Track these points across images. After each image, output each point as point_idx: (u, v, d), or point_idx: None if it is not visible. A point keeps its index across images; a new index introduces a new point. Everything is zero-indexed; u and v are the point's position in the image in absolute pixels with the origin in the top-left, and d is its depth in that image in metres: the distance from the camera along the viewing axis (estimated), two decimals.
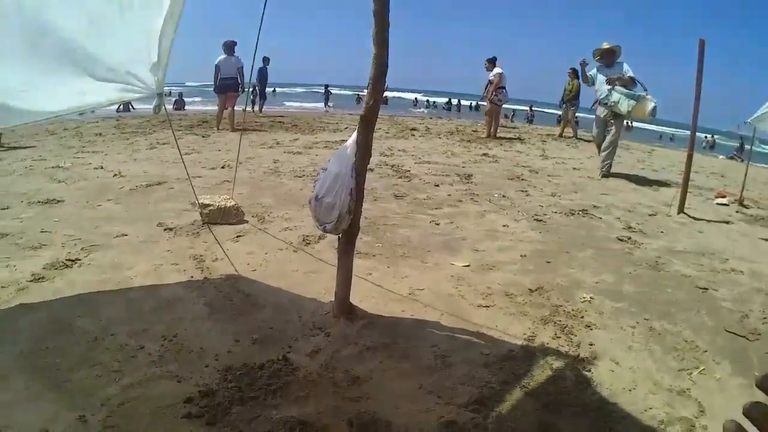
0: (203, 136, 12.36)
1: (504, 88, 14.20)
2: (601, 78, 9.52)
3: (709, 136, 38.65)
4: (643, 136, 27.09)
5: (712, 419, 2.76)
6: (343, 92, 63.59)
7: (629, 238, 5.78)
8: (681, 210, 7.09)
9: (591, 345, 3.44)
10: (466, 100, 50.57)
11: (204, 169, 8.42)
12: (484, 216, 6.42)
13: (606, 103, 9.39)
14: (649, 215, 6.98)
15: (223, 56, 13.49)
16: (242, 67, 13.66)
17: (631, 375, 3.13)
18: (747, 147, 27.91)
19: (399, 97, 54.88)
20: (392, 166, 9.34)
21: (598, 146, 10.01)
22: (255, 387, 2.80)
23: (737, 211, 7.63)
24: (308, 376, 2.94)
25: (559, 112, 18.81)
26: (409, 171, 8.95)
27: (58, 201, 6.15)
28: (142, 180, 7.38)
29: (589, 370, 3.15)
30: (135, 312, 3.60)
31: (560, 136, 16.28)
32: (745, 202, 8.04)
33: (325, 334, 3.40)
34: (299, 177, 8.08)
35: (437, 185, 7.99)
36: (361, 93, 46.41)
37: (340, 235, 3.48)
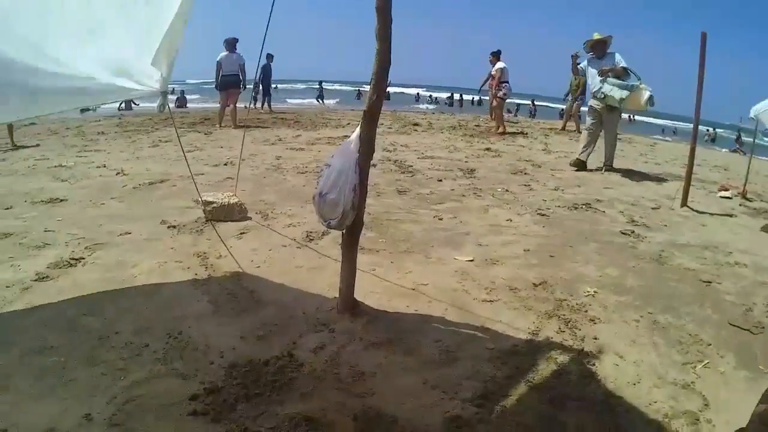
0: (206, 134, 12.35)
1: (507, 82, 14.11)
2: (592, 71, 9.34)
3: (710, 129, 38.55)
4: (645, 129, 27.07)
5: (717, 413, 2.77)
6: (343, 88, 63.61)
7: (632, 232, 5.77)
8: (684, 203, 7.08)
9: (595, 339, 3.45)
10: (468, 95, 50.48)
11: (207, 166, 8.42)
12: (488, 210, 6.42)
13: (599, 96, 9.14)
14: (653, 209, 6.97)
15: (224, 53, 13.46)
16: (243, 64, 13.64)
17: (635, 369, 3.14)
18: (745, 139, 27.89)
19: (401, 93, 54.75)
20: (395, 161, 9.34)
21: (589, 143, 9.61)
22: (260, 383, 2.81)
23: (740, 205, 7.60)
24: (313, 372, 2.95)
25: (563, 107, 18.77)
26: (411, 166, 8.95)
27: (62, 200, 6.17)
28: (145, 178, 7.38)
29: (594, 364, 3.15)
30: (139, 310, 3.60)
31: (563, 129, 16.21)
32: (749, 195, 8.01)
33: (330, 330, 3.41)
34: (302, 173, 8.08)
35: (440, 180, 7.99)
36: (361, 88, 46.41)
37: (344, 231, 3.48)
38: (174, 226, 5.31)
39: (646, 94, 8.63)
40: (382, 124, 13.81)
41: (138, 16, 3.44)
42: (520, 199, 7.04)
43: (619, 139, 15.49)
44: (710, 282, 4.50)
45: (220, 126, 13.59)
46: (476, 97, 39.31)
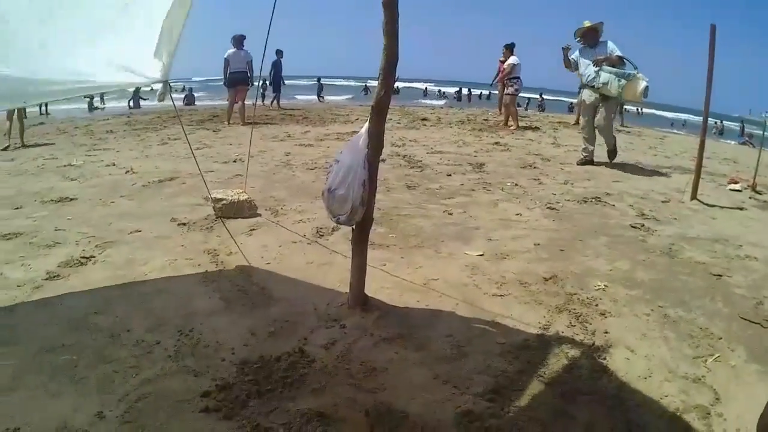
0: (214, 131, 12.39)
1: (518, 78, 14.04)
2: (584, 61, 8.98)
3: (718, 121, 38.34)
4: (655, 122, 26.97)
5: (728, 406, 2.75)
6: (349, 83, 63.60)
7: (642, 225, 5.75)
8: (694, 196, 7.04)
9: (606, 333, 3.44)
10: (477, 89, 50.34)
11: (216, 163, 8.45)
12: (497, 205, 6.42)
13: (594, 86, 8.82)
14: (662, 202, 6.94)
15: (232, 50, 13.52)
16: (251, 61, 13.69)
17: (646, 363, 3.13)
18: (750, 131, 27.81)
19: (409, 87, 54.70)
20: (404, 156, 9.34)
21: (586, 138, 9.36)
22: (272, 380, 2.81)
23: (750, 197, 7.55)
24: (324, 368, 2.95)
25: (573, 100, 18.66)
26: (421, 161, 8.95)
27: (71, 199, 6.19)
28: (154, 176, 7.41)
29: (604, 359, 3.15)
30: (150, 307, 3.62)
31: (576, 123, 16.11)
32: (758, 188, 7.95)
33: (341, 326, 3.41)
34: (311, 169, 8.10)
35: (449, 175, 7.99)
36: (368, 83, 46.39)
37: (354, 227, 3.48)
38: (184, 224, 5.33)
39: (642, 84, 8.39)
40: (391, 119, 13.81)
41: (138, 9, 3.45)
42: (529, 193, 7.02)
43: (629, 132, 15.52)
44: (721, 275, 4.48)
45: (229, 123, 13.66)
46: (485, 92, 39.20)
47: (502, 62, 14.40)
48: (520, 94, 15.21)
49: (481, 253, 4.76)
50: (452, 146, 10.82)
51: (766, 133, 8.94)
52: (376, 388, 2.80)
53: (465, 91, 49.87)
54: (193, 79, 52.55)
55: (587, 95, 9.18)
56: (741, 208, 6.88)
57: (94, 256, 4.47)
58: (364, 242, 3.54)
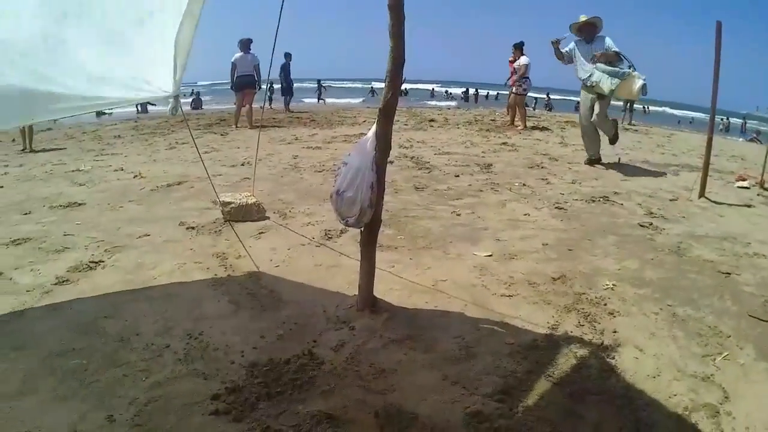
0: (222, 135, 12.43)
1: (528, 78, 13.98)
2: (581, 57, 8.75)
3: (724, 118, 38.28)
4: (662, 120, 26.89)
5: (737, 405, 2.75)
6: (355, 85, 63.69)
7: (651, 224, 5.75)
8: (702, 194, 7.02)
9: (614, 332, 3.44)
10: (483, 89, 50.39)
11: (224, 167, 8.47)
12: (505, 205, 6.41)
13: (588, 84, 8.62)
14: (670, 200, 6.93)
15: (239, 54, 13.56)
16: (258, 65, 13.72)
17: (654, 362, 3.12)
18: (755, 127, 27.74)
19: (416, 89, 54.75)
20: (412, 157, 9.34)
21: (587, 145, 9.31)
22: (281, 382, 2.82)
23: (759, 194, 7.53)
24: (334, 370, 2.96)
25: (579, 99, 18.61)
26: (428, 162, 8.95)
27: (80, 204, 6.22)
28: (162, 180, 7.44)
29: (613, 358, 3.14)
30: (160, 311, 3.63)
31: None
32: (767, 185, 7.93)
33: (350, 328, 3.42)
34: (319, 172, 8.11)
35: (457, 176, 7.99)
36: (374, 85, 46.46)
37: (362, 229, 3.49)
38: (193, 228, 5.34)
39: (639, 83, 8.14)
40: (398, 120, 13.80)
41: (151, 29, 3.47)
42: (537, 193, 7.02)
43: (636, 130, 15.47)
44: (729, 273, 4.47)
45: (236, 126, 13.69)
46: (492, 92, 39.11)
47: (512, 62, 14.31)
48: (530, 94, 15.08)
49: (490, 253, 4.76)
50: (460, 147, 10.82)
51: None
52: (385, 389, 2.80)
53: (472, 91, 49.88)
54: (199, 83, 52.69)
55: (583, 97, 9.04)
56: (749, 206, 6.86)
57: (103, 261, 4.49)
58: (372, 244, 3.55)
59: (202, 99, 30.77)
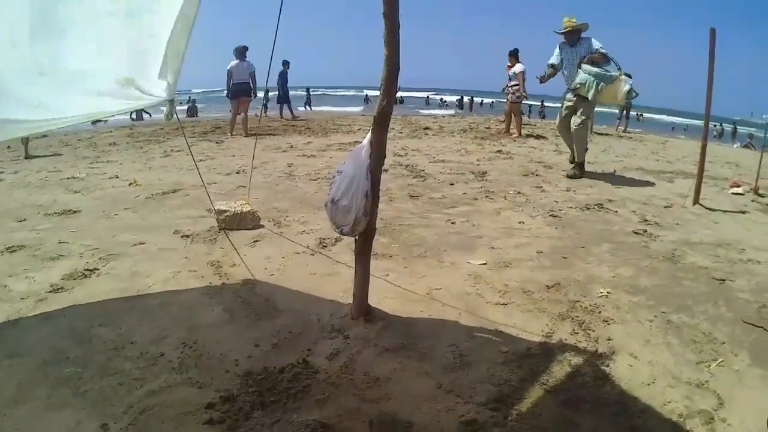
0: (217, 142, 12.45)
1: (519, 84, 13.99)
2: (567, 61, 8.55)
3: (717, 125, 38.47)
4: (656, 127, 26.96)
5: (732, 411, 2.75)
6: (348, 93, 63.77)
7: (645, 231, 5.76)
8: (696, 201, 7.04)
9: (609, 340, 3.44)
10: (478, 97, 50.48)
11: (219, 175, 8.48)
12: (500, 213, 6.42)
13: (572, 87, 8.27)
14: (665, 207, 6.95)
15: (235, 61, 13.61)
16: (254, 72, 13.75)
17: (649, 369, 3.13)
18: (739, 131, 27.89)
19: (411, 96, 54.88)
20: (406, 166, 9.36)
21: (566, 140, 9.10)
22: (275, 391, 2.82)
23: (753, 201, 7.56)
24: (328, 379, 2.96)
25: None
26: (423, 170, 8.97)
27: (75, 212, 6.22)
28: (157, 188, 7.44)
29: (608, 366, 3.14)
30: (154, 319, 3.62)
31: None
32: (761, 191, 7.95)
33: (344, 337, 3.42)
34: (314, 180, 8.12)
35: (452, 184, 8.00)
36: (367, 94, 46.56)
37: (357, 237, 3.49)
38: (187, 236, 5.34)
39: (625, 87, 7.79)
40: (393, 128, 13.84)
41: (139, 26, 3.47)
42: (532, 201, 7.03)
43: (630, 137, 15.53)
44: (724, 280, 4.48)
45: (232, 134, 13.74)
46: (487, 100, 39.15)
47: (509, 68, 14.31)
48: (524, 102, 15.10)
49: (484, 261, 4.76)
50: (454, 155, 10.85)
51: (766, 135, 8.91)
52: (379, 398, 2.80)
53: (466, 99, 49.99)
54: (194, 90, 52.69)
55: (568, 98, 8.62)
56: (743, 212, 6.88)
57: (97, 269, 4.48)
58: (367, 253, 3.55)
59: (197, 106, 30.76)
